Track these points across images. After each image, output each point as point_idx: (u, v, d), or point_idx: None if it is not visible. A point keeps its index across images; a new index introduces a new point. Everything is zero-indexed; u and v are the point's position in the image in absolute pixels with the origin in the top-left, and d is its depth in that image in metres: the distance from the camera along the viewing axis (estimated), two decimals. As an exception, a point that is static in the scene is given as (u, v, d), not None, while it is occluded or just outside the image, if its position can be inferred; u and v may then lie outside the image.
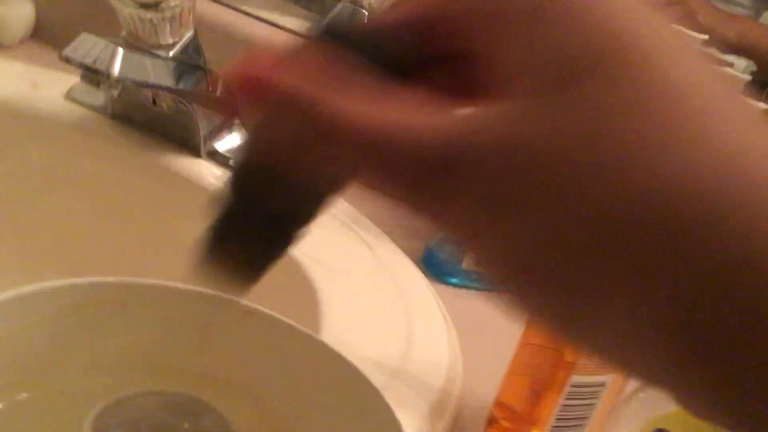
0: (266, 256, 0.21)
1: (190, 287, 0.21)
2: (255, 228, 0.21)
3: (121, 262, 0.56)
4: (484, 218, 0.16)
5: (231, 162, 0.56)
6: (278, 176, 0.19)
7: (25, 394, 0.21)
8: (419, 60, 0.18)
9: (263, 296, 0.51)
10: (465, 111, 0.17)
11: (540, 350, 0.37)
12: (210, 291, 0.21)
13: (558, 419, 0.37)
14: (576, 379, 0.36)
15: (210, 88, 0.57)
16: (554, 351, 0.36)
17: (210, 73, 0.57)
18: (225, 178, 0.21)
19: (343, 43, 0.18)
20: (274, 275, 0.51)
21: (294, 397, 0.21)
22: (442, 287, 0.55)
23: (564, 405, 0.37)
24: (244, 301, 0.21)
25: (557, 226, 0.16)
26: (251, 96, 0.18)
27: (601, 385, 0.37)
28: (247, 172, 0.20)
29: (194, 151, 0.56)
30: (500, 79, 0.17)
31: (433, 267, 0.56)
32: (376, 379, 0.38)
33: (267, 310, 0.21)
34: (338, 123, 0.17)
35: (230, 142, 0.57)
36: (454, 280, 0.55)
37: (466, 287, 0.56)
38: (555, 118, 0.16)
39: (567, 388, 0.36)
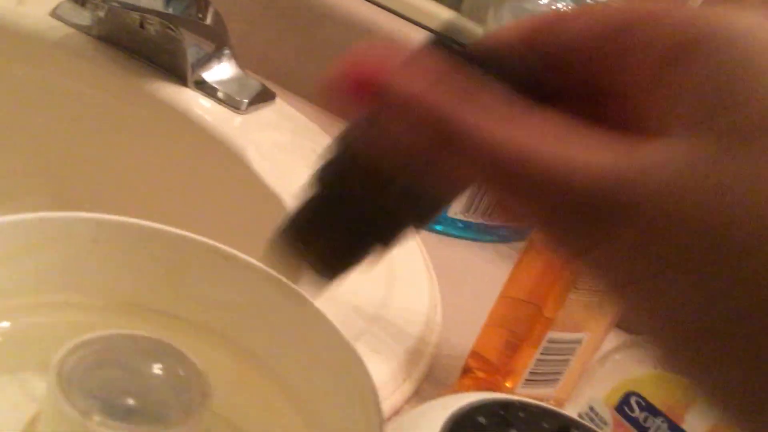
0: (351, 258, 0.20)
1: (164, 227, 0.20)
2: (346, 226, 0.20)
3: (100, 185, 0.55)
4: (643, 265, 0.15)
5: (218, 93, 0.55)
6: (385, 176, 0.18)
7: (6, 323, 0.21)
8: (547, 86, 0.17)
9: (245, 235, 0.50)
10: (623, 147, 0.16)
11: (519, 304, 0.37)
12: (185, 233, 0.20)
13: (532, 373, 0.37)
14: (553, 335, 0.36)
15: (200, 15, 0.55)
16: (533, 306, 0.36)
17: (200, 0, 0.55)
18: (315, 169, 0.20)
19: (464, 55, 0.17)
20: (258, 214, 0.50)
21: (267, 344, 0.20)
22: (427, 235, 0.55)
23: (539, 360, 0.37)
24: (220, 246, 0.20)
25: (733, 288, 0.15)
26: (365, 93, 0.17)
27: (577, 342, 0.37)
28: (345, 167, 0.19)
29: (181, 79, 0.54)
30: (658, 119, 0.16)
31: (418, 213, 0.55)
32: (355, 324, 0.38)
33: (244, 256, 0.21)
34: (475, 139, 0.16)
35: (218, 72, 0.56)
36: (439, 228, 0.55)
37: (451, 235, 0.56)
38: (740, 173, 0.15)
39: (543, 344, 0.36)
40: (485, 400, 0.25)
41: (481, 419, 0.24)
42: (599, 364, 0.30)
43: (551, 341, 0.36)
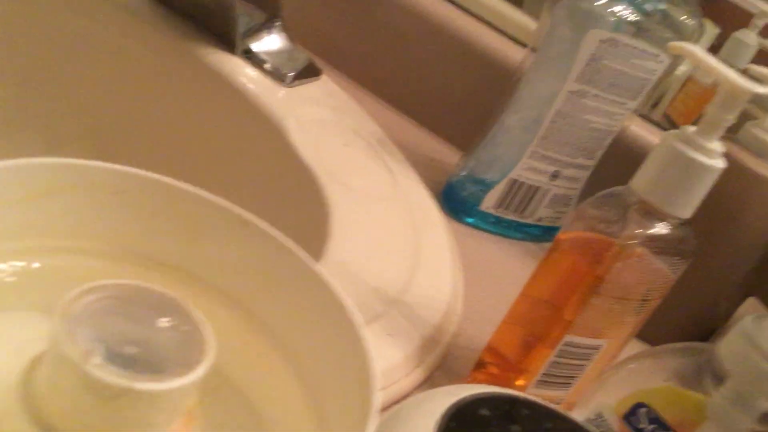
0: None
1: (186, 186, 0.20)
2: None
3: (138, 140, 0.55)
4: None
5: (265, 64, 0.55)
6: None
7: (21, 263, 0.21)
8: None
9: (275, 204, 0.50)
10: None
11: (539, 303, 0.37)
12: (206, 194, 0.21)
13: (545, 374, 0.37)
14: (570, 338, 0.36)
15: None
16: (553, 307, 0.36)
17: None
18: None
19: None
20: (289, 185, 0.51)
21: (274, 311, 0.20)
22: (458, 226, 0.55)
23: (554, 362, 0.36)
24: (240, 210, 0.20)
25: None
26: None
27: (595, 348, 0.36)
28: None
29: (229, 47, 0.55)
30: None
31: (452, 204, 0.55)
32: (373, 306, 0.38)
33: (262, 223, 0.21)
34: None
35: (267, 43, 0.56)
36: (470, 220, 0.55)
37: (482, 229, 0.55)
38: None
39: (560, 346, 0.36)
40: (491, 393, 0.24)
41: (485, 411, 0.23)
42: (613, 371, 0.30)
43: (568, 344, 0.36)
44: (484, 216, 0.55)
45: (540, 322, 0.36)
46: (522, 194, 0.53)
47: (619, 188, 0.35)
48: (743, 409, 0.26)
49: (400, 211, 0.48)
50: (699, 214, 0.45)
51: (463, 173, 0.55)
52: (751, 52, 0.74)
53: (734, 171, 0.50)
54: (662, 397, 0.27)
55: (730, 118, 0.33)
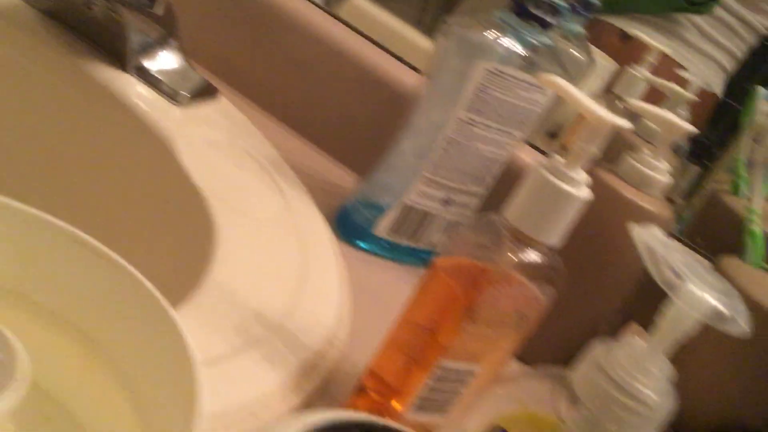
0: None
1: (21, 206, 0.20)
2: None
3: (21, 157, 0.53)
4: None
5: (157, 83, 0.54)
6: None
7: None
8: None
9: (161, 226, 0.49)
10: None
11: (416, 327, 0.37)
12: (40, 214, 0.20)
13: (421, 399, 0.37)
14: (445, 363, 0.36)
15: (149, 2, 0.54)
16: (429, 331, 0.36)
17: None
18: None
19: None
20: (176, 206, 0.50)
21: (111, 332, 0.20)
22: (352, 250, 0.55)
23: (430, 386, 0.37)
24: (68, 227, 0.20)
25: None
26: None
27: (470, 373, 0.37)
28: None
29: (121, 64, 0.54)
30: None
31: (346, 228, 0.55)
32: (253, 330, 0.38)
33: (95, 243, 0.20)
34: None
35: (162, 62, 0.55)
36: (363, 245, 0.55)
37: (375, 254, 0.55)
38: None
39: (435, 370, 0.36)
40: (347, 419, 0.24)
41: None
42: (482, 398, 0.30)
43: (443, 369, 0.36)
44: (378, 241, 0.55)
45: (416, 346, 0.37)
46: (414, 219, 0.54)
47: (492, 215, 0.36)
48: (593, 433, 0.26)
49: (290, 234, 0.48)
50: (580, 242, 0.47)
51: (358, 198, 0.55)
52: (642, 87, 0.78)
53: (613, 200, 0.52)
54: (520, 421, 0.28)
55: (593, 150, 0.34)
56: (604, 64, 0.91)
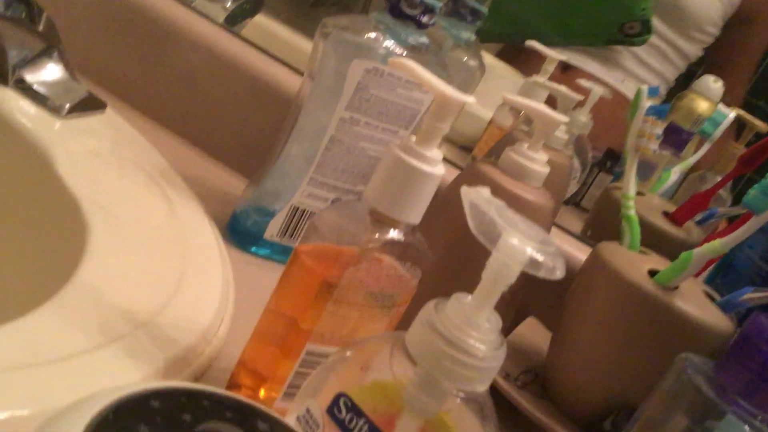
0: None
1: None
2: None
3: None
4: None
5: (38, 95, 0.53)
6: None
7: None
8: None
9: (32, 229, 0.48)
10: None
11: (278, 317, 0.37)
12: None
13: (291, 386, 0.37)
14: (311, 347, 0.36)
15: (30, 17, 0.54)
16: (291, 318, 0.36)
17: (33, 4, 0.54)
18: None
19: None
20: (52, 214, 0.49)
21: None
22: (245, 256, 0.55)
23: (298, 372, 0.36)
24: None
25: None
26: None
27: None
28: None
29: (1, 78, 0.53)
30: None
31: (237, 234, 0.55)
32: (116, 327, 0.37)
33: None
34: None
35: (43, 74, 0.54)
36: (255, 249, 0.55)
37: (268, 258, 0.55)
38: None
39: (302, 356, 0.36)
40: (172, 387, 0.24)
41: (155, 403, 0.23)
42: (322, 367, 0.30)
43: (309, 354, 0.36)
44: (270, 245, 0.55)
45: (281, 335, 0.36)
46: (304, 221, 0.54)
47: (351, 199, 0.36)
48: (431, 393, 0.27)
49: (171, 240, 0.47)
50: (459, 232, 0.47)
51: (249, 204, 0.55)
52: (544, 94, 0.80)
53: (494, 192, 0.53)
54: (363, 388, 0.28)
55: (444, 127, 0.35)
56: (509, 76, 0.94)
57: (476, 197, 0.27)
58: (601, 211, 0.68)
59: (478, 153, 0.88)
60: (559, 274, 0.25)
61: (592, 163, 0.90)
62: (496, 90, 0.91)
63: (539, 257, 0.25)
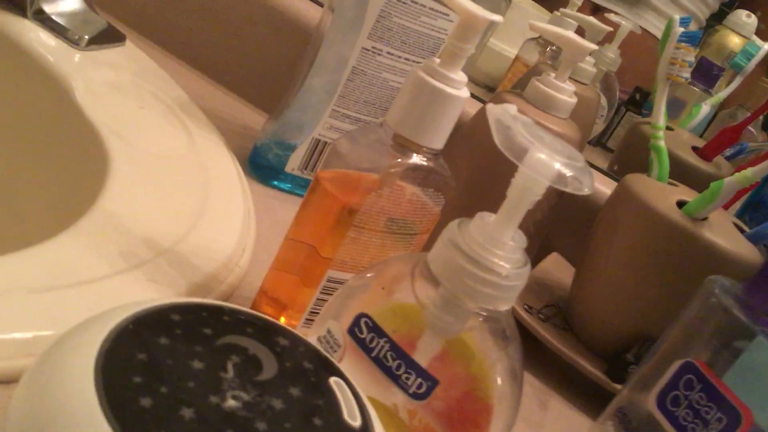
0: None
1: None
2: None
3: None
4: None
5: (57, 26, 0.52)
6: None
7: None
8: None
9: (53, 158, 0.48)
10: None
11: (298, 245, 0.36)
12: None
13: (312, 313, 0.36)
14: (332, 274, 0.36)
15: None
16: (310, 247, 0.36)
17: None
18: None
19: None
20: (71, 143, 0.48)
21: None
22: (267, 190, 0.54)
23: (319, 299, 0.36)
24: None
25: None
26: None
27: (360, 284, 0.36)
28: None
29: (20, 9, 0.52)
30: None
31: (258, 168, 0.54)
32: (137, 253, 0.37)
33: None
34: None
35: (62, 5, 0.54)
36: (276, 183, 0.54)
37: (289, 192, 0.55)
38: None
39: (323, 283, 0.36)
40: (193, 302, 0.24)
41: (176, 317, 0.23)
42: (343, 289, 0.30)
43: (330, 281, 0.36)
44: (291, 178, 0.54)
45: (301, 262, 0.36)
46: (325, 154, 0.53)
47: (373, 124, 0.36)
48: (453, 313, 0.26)
49: (192, 170, 0.47)
50: (485, 162, 0.47)
51: (268, 137, 0.55)
52: (572, 28, 0.78)
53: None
54: (384, 308, 0.28)
55: (469, 48, 0.33)
56: (535, 11, 0.91)
57: (502, 114, 0.26)
58: (629, 146, 0.66)
59: (502, 90, 0.87)
60: (587, 190, 0.24)
61: (619, 102, 0.88)
62: (521, 26, 0.89)
63: (567, 172, 0.24)
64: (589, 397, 0.48)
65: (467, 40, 0.33)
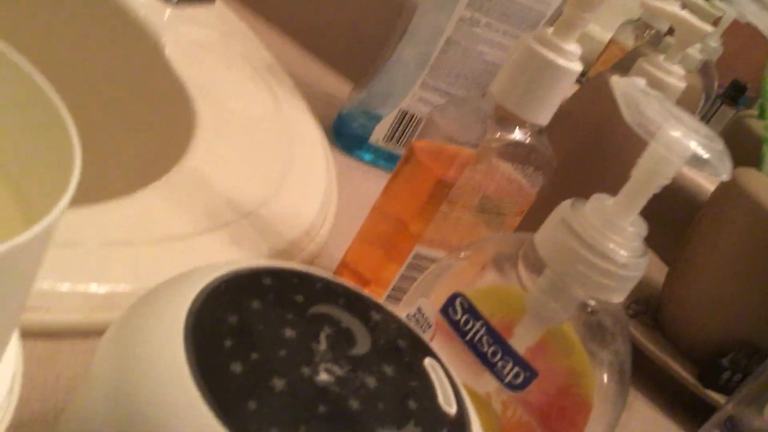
0: None
1: None
2: None
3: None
4: None
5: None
6: None
7: None
8: None
9: (142, 112, 0.48)
10: None
11: (387, 218, 0.35)
12: None
13: (395, 289, 0.35)
14: (420, 250, 0.34)
15: None
16: (400, 221, 0.34)
17: None
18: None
19: None
20: (159, 97, 0.48)
21: None
22: (349, 160, 0.53)
23: (404, 275, 0.35)
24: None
25: None
26: None
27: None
28: None
29: (114, -38, 0.52)
30: None
31: (342, 136, 0.53)
32: (221, 215, 0.36)
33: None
34: None
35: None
36: (360, 153, 0.53)
37: (371, 163, 0.53)
38: None
39: (409, 260, 0.34)
40: (286, 267, 0.22)
41: (268, 280, 0.21)
42: (435, 267, 0.28)
43: (417, 257, 0.34)
44: (374, 150, 0.53)
45: (388, 236, 0.35)
46: (412, 127, 0.52)
47: (473, 94, 0.34)
48: (559, 300, 0.24)
49: (277, 134, 0.46)
50: (585, 140, 0.44)
51: (354, 106, 0.53)
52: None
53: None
54: (481, 290, 0.26)
55: (588, 18, 0.31)
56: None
57: (631, 88, 0.23)
58: (731, 139, 0.62)
59: (594, 74, 0.83)
60: (725, 176, 0.22)
61: (715, 94, 0.83)
62: (614, 8, 0.85)
63: (704, 153, 0.22)
64: (675, 400, 0.46)
65: (588, 8, 0.31)
